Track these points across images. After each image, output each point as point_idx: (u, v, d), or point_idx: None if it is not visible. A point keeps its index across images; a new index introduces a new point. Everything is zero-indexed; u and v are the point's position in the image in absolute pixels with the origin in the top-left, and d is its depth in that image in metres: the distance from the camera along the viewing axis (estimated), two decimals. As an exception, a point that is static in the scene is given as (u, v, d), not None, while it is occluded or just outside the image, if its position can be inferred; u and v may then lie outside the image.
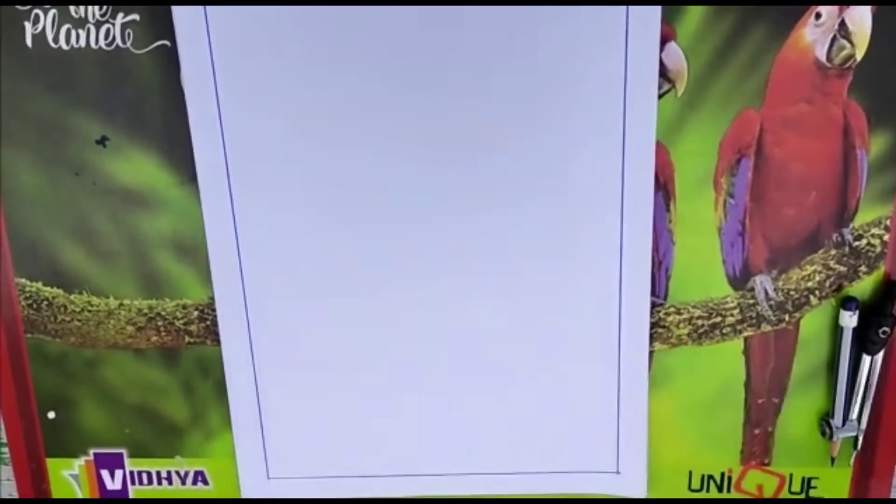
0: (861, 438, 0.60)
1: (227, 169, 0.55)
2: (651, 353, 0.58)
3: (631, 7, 0.50)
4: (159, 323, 0.59)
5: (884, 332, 0.55)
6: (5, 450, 0.64)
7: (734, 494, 0.62)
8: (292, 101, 0.53)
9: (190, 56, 0.52)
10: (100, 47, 0.53)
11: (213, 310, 0.58)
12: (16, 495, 0.66)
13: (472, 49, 0.51)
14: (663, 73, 0.51)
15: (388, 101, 0.53)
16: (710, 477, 0.62)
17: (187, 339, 0.60)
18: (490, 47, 0.51)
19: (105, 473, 0.64)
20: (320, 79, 0.53)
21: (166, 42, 0.53)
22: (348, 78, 0.53)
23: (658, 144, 0.53)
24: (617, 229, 0.55)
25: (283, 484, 0.63)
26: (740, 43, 0.51)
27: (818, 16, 0.50)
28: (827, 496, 0.62)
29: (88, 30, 0.53)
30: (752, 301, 0.57)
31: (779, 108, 0.52)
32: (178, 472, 0.63)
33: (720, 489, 0.62)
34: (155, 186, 0.56)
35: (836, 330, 0.57)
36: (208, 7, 0.51)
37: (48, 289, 0.59)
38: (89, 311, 0.59)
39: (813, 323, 0.57)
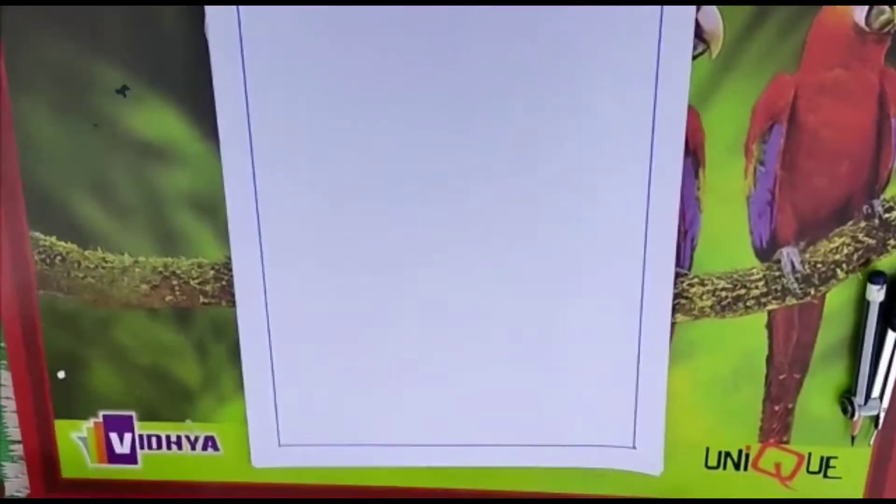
0: (882, 417, 0.58)
1: (249, 124, 0.54)
2: (673, 324, 0.57)
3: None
4: (174, 282, 0.58)
5: (911, 308, 0.54)
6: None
7: (751, 473, 0.61)
8: (318, 58, 0.53)
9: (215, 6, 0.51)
10: (123, -8, 0.52)
11: (230, 269, 0.57)
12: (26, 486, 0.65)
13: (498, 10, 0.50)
14: (698, 33, 0.51)
15: (411, 63, 0.52)
16: (728, 454, 0.61)
17: (202, 298, 0.59)
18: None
19: (114, 437, 0.63)
20: (348, 36, 0.52)
21: (192, -12, 0.51)
22: (375, 44, 0.52)
23: (690, 109, 0.52)
24: (643, 196, 0.54)
25: (294, 451, 0.62)
26: (779, 3, 0.50)
27: (858, -22, 0.49)
28: (845, 476, 0.61)
29: (111, -26, 0.52)
30: (777, 273, 0.56)
31: (814, 73, 0.51)
32: (188, 437, 0.63)
33: (737, 467, 0.61)
34: (175, 140, 0.55)
35: (863, 305, 0.56)
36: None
37: (62, 244, 0.58)
38: (103, 268, 0.58)
39: (839, 297, 0.56)
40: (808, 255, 0.55)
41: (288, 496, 0.64)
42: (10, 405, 0.64)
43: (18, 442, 0.65)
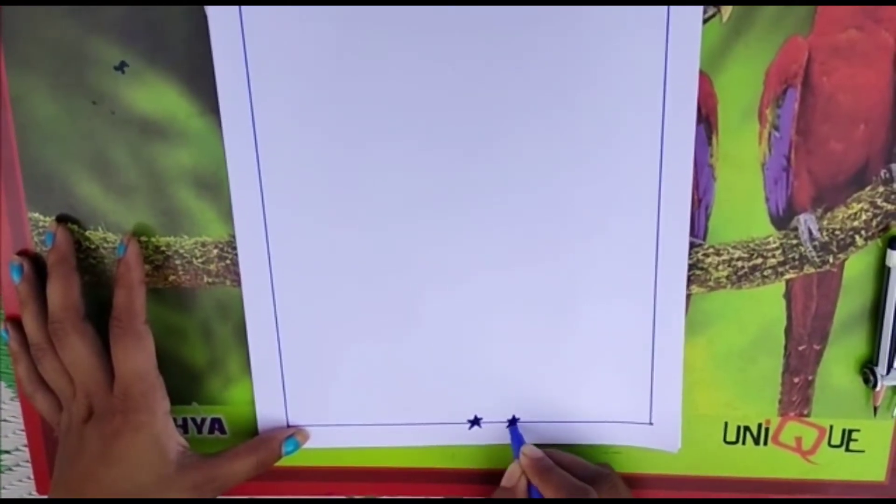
0: (905, 387, 0.59)
1: (251, 98, 0.55)
2: (688, 296, 0.58)
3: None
4: (177, 261, 0.60)
5: (932, 274, 0.56)
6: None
7: (771, 447, 0.62)
8: (320, 30, 0.54)
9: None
10: (120, -33, 0.53)
11: (234, 248, 0.59)
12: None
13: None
14: (708, -4, 0.52)
15: (414, 32, 0.54)
16: (747, 429, 0.63)
17: (206, 278, 0.60)
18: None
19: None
20: (349, 8, 0.53)
21: (189, -38, 0.53)
22: (375, 18, 0.54)
23: (701, 74, 0.53)
24: (656, 164, 0.55)
25: (302, 433, 0.63)
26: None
27: (871, -65, 0.50)
28: (868, 449, 0.62)
29: (109, -51, 0.53)
30: (795, 241, 0.57)
31: (828, 35, 0.52)
32: (193, 420, 0.64)
33: (756, 442, 0.63)
34: (175, 116, 0.57)
35: (882, 272, 0.57)
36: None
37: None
38: (105, 249, 0.60)
39: (858, 265, 0.58)
40: (825, 222, 0.57)
41: (296, 478, 0.66)
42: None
43: (7, 452, 0.67)
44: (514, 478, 0.59)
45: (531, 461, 0.58)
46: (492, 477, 0.64)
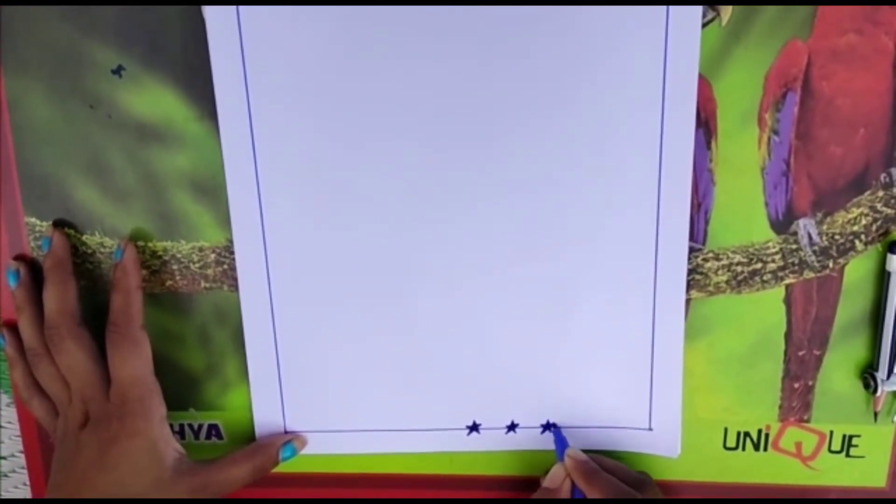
0: (906, 392, 0.60)
1: (249, 103, 0.55)
2: (687, 301, 0.58)
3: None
4: (174, 266, 0.60)
5: (932, 279, 0.56)
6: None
7: (771, 453, 0.62)
8: (317, 34, 0.54)
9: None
10: (117, -30, 0.53)
11: (231, 253, 0.59)
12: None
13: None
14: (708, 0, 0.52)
15: (410, 36, 0.54)
16: (747, 434, 0.63)
17: (203, 283, 0.60)
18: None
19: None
20: (346, 12, 0.53)
21: (187, -34, 0.53)
22: (372, 19, 0.53)
23: (700, 78, 0.53)
24: (655, 169, 0.55)
25: (300, 439, 0.63)
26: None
27: (869, -62, 0.51)
28: (868, 455, 0.62)
29: (106, -48, 0.53)
30: (794, 246, 0.57)
31: (827, 39, 0.53)
32: (190, 426, 0.64)
33: (756, 447, 0.63)
34: (172, 120, 0.57)
35: (883, 276, 0.57)
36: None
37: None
38: (101, 253, 0.60)
39: (858, 269, 0.58)
40: (825, 227, 0.57)
41: (293, 485, 0.66)
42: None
43: (3, 458, 0.67)
44: (557, 480, 0.58)
45: (576, 463, 0.58)
46: (490, 482, 0.64)
